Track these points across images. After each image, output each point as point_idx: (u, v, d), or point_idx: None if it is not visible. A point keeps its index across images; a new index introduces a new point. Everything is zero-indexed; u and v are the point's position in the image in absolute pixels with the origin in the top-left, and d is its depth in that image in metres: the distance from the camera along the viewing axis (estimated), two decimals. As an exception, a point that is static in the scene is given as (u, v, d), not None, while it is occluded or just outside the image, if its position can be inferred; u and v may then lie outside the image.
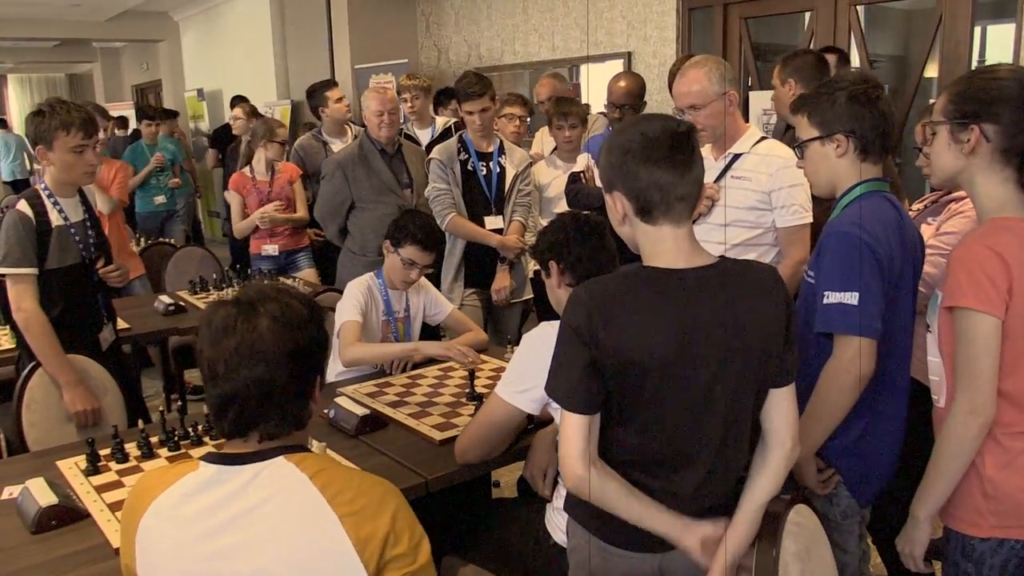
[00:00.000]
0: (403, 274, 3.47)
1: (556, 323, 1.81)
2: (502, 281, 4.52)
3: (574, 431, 1.72)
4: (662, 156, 1.72)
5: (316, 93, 5.94)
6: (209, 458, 1.59)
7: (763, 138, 3.28)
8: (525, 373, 2.26)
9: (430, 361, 3.46)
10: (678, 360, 1.69)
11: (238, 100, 8.98)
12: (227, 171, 7.21)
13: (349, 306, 3.38)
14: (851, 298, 2.12)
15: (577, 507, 1.91)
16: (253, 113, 7.46)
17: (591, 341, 1.69)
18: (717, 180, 3.27)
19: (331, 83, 6.00)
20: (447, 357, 3.24)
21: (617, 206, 1.79)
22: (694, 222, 2.99)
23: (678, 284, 1.73)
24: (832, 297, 2.14)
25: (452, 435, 2.67)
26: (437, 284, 4.18)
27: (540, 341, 2.23)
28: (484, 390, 3.10)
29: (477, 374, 3.19)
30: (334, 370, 3.42)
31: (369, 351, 3.30)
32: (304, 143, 5.98)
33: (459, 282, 4.51)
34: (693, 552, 1.82)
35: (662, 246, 1.78)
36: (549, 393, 1.76)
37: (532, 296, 4.67)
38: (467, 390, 3.10)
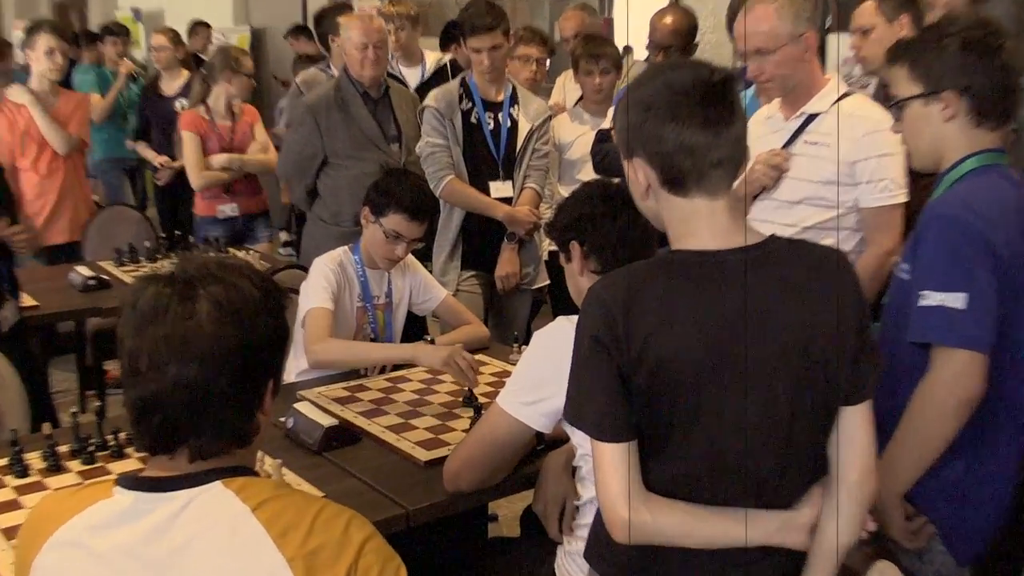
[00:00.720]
0: (386, 250, 3.45)
1: (575, 319, 1.83)
2: (509, 263, 4.54)
3: (612, 465, 1.74)
4: (692, 112, 1.73)
5: (326, 18, 5.93)
6: (125, 483, 1.57)
7: (847, 94, 3.28)
8: (536, 380, 2.27)
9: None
10: (717, 369, 1.70)
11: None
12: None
13: (317, 288, 3.36)
14: (956, 300, 2.12)
15: (605, 558, 1.92)
16: (178, 41, 7.42)
17: (616, 350, 1.70)
18: (787, 145, 3.27)
19: (345, 6, 5.99)
20: (445, 373, 3.24)
21: (639, 176, 1.81)
22: (755, 197, 3.17)
23: (715, 271, 1.74)
24: (932, 298, 2.15)
25: (441, 455, 2.69)
26: (428, 264, 4.18)
27: (556, 341, 2.22)
28: (484, 399, 3.10)
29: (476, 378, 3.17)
30: (295, 368, 3.42)
31: (347, 351, 3.31)
32: (310, 78, 5.92)
33: (455, 262, 4.49)
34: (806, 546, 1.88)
35: (695, 224, 1.78)
36: (572, 421, 1.78)
37: (546, 284, 4.70)
38: (462, 397, 3.12)
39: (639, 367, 1.71)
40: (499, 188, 4.45)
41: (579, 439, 2.24)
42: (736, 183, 1.81)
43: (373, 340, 3.55)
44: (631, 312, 1.71)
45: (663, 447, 1.77)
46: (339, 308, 3.46)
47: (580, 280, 2.44)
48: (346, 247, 3.59)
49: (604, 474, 1.76)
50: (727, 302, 1.72)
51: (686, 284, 1.74)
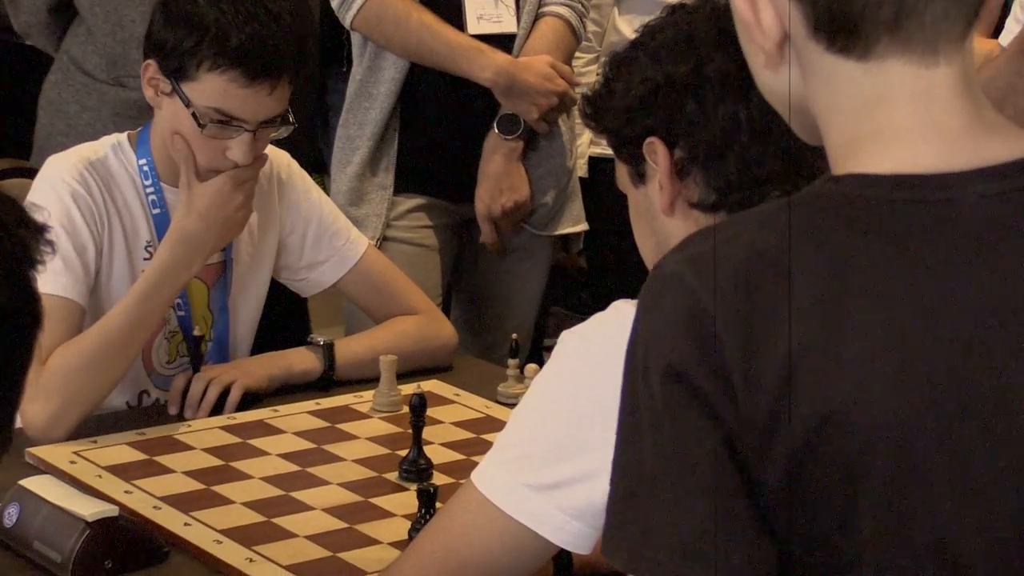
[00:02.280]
0: (207, 153, 2.47)
1: None
2: (503, 183, 3.32)
3: None
4: None
5: None
6: None
7: None
8: (564, 437, 1.76)
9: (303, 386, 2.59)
10: (952, 427, 1.25)
11: None
12: None
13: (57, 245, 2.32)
14: None
15: None
16: None
17: (723, 401, 1.22)
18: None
19: None
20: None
21: (763, 15, 1.33)
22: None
23: (939, 220, 1.26)
24: None
25: None
26: (320, 180, 3.22)
27: (610, 353, 1.50)
28: (443, 476, 2.32)
29: (427, 422, 2.34)
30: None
31: (89, 353, 2.39)
32: None
33: (380, 176, 3.26)
34: None
35: (886, 114, 1.29)
36: (628, 565, 1.23)
37: (580, 230, 3.47)
38: (403, 461, 2.30)
39: (777, 435, 1.22)
40: (483, 12, 3.29)
41: None
42: (972, 35, 1.32)
43: (191, 353, 2.60)
44: (756, 317, 1.23)
45: None
46: (99, 286, 2.50)
47: (662, 222, 1.87)
48: (119, 137, 2.58)
49: None
50: (969, 287, 1.25)
51: (877, 251, 1.25)
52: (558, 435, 1.73)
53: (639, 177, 1.80)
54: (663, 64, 1.77)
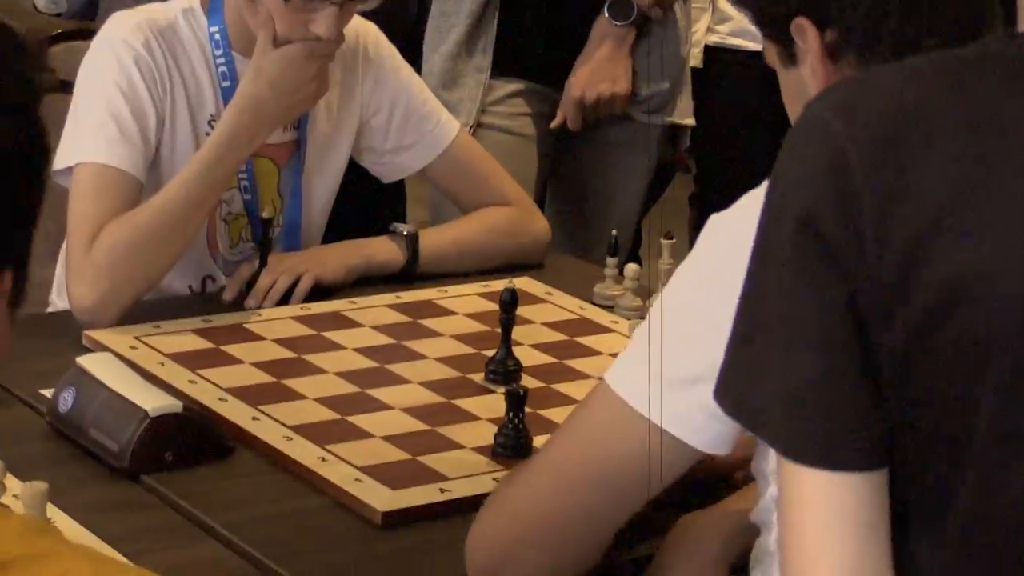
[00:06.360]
0: (288, 23, 2.37)
1: None
2: (605, 68, 3.15)
3: (824, 526, 1.29)
4: None
5: None
6: None
7: None
8: (712, 321, 1.57)
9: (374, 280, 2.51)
10: None
11: None
12: None
13: (98, 113, 2.38)
14: None
15: None
16: None
17: (852, 253, 1.25)
18: None
19: None
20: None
21: None
22: None
23: None
24: None
25: (426, 500, 1.92)
26: (415, 60, 3.02)
27: (746, 245, 1.44)
28: (534, 379, 2.24)
29: (517, 321, 2.27)
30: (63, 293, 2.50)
31: (144, 227, 2.32)
32: None
33: (476, 59, 3.16)
34: None
35: None
36: (738, 412, 1.32)
37: (690, 124, 3.35)
38: (489, 362, 2.24)
39: (904, 297, 1.24)
40: None
41: (768, 466, 1.59)
42: None
43: (255, 238, 2.51)
44: (897, 173, 1.25)
45: (950, 493, 1.28)
46: (160, 160, 2.40)
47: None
48: (191, 0, 2.49)
49: (807, 547, 1.30)
50: None
51: None
52: (699, 322, 1.63)
53: (789, 58, 1.68)
54: None
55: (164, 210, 2.26)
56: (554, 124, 3.14)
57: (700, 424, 1.60)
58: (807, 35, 1.61)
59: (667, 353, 1.63)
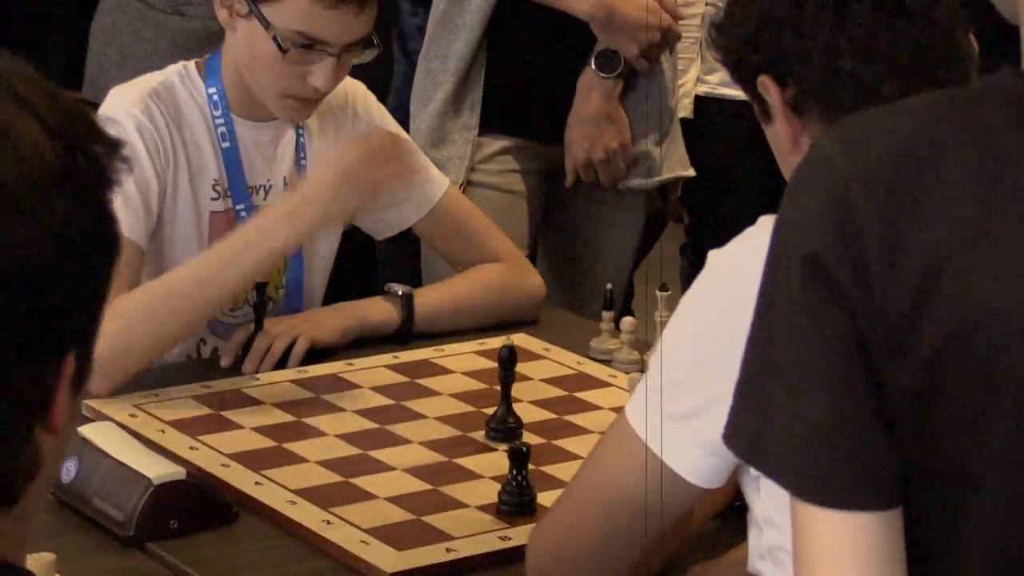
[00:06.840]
0: (286, 79, 2.42)
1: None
2: (601, 124, 3.14)
3: (840, 558, 1.27)
4: None
5: None
6: None
7: None
8: (712, 355, 1.67)
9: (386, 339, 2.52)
10: None
11: None
12: None
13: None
14: None
15: None
16: None
17: (858, 291, 1.25)
18: None
19: None
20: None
21: None
22: None
23: None
24: None
25: (431, 560, 1.94)
26: (403, 118, 3.04)
27: (757, 266, 1.45)
28: (534, 436, 2.28)
29: (515, 378, 2.28)
30: None
31: (163, 297, 2.35)
32: None
33: (464, 116, 3.16)
34: None
35: None
36: (748, 454, 1.31)
37: (682, 176, 3.32)
38: (490, 420, 2.27)
39: (913, 335, 1.24)
40: None
41: (772, 508, 1.59)
42: None
43: (256, 300, 2.50)
44: (903, 211, 1.25)
45: (965, 528, 1.29)
46: (162, 227, 2.45)
47: (791, 159, 1.80)
48: (185, 64, 2.51)
49: None
50: None
51: None
52: (700, 356, 1.68)
53: (765, 115, 1.75)
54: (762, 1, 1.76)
55: (171, 289, 2.30)
56: (569, 182, 3.14)
57: (692, 456, 1.64)
58: (771, 92, 1.67)
59: (671, 387, 1.67)
